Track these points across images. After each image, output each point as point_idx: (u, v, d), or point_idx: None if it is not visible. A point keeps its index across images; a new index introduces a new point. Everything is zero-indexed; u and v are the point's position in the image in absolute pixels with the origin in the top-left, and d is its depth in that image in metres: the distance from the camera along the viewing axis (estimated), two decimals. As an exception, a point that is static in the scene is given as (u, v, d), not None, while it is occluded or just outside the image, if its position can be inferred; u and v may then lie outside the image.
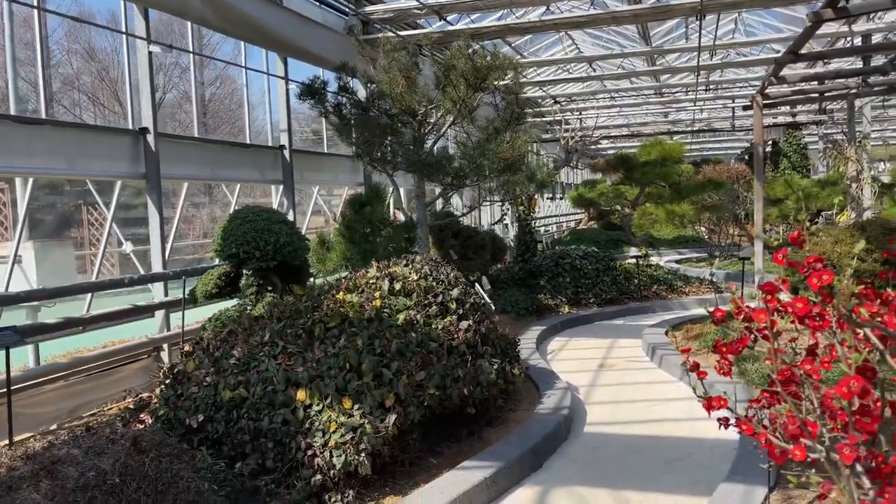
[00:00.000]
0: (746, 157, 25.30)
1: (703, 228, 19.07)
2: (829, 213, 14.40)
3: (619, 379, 6.93)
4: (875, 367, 1.88)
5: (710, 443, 5.07)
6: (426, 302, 5.32)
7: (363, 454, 3.97)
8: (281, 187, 9.70)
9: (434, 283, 5.54)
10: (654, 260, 13.05)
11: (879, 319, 1.95)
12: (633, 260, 11.90)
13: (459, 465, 4.40)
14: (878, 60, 9.27)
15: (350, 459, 3.94)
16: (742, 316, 2.25)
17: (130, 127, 7.30)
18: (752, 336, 2.27)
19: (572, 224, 27.54)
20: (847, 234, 5.06)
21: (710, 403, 2.48)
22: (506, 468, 4.43)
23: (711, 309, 2.49)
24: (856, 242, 4.95)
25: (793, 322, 2.16)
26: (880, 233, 4.91)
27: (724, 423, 2.59)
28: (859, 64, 10.00)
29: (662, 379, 6.85)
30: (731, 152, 36.80)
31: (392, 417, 4.17)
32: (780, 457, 2.14)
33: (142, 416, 4.43)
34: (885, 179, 16.98)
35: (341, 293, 5.19)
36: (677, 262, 15.50)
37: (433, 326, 5.11)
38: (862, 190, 9.85)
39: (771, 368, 2.26)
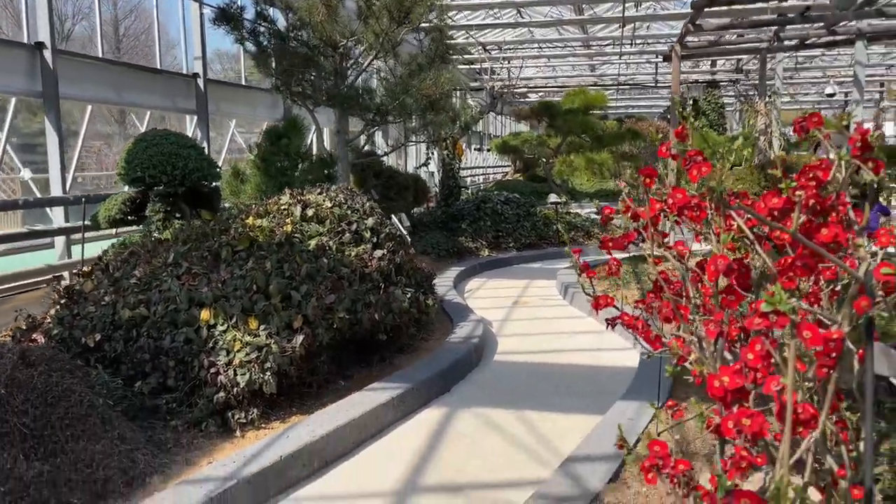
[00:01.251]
0: (668, 115, 25.98)
1: (623, 183, 19.53)
2: (741, 166, 15.00)
3: (531, 315, 7.10)
4: (743, 249, 1.96)
5: (611, 370, 5.27)
6: (340, 229, 5.26)
7: (268, 373, 3.93)
8: (195, 119, 9.31)
9: (349, 212, 5.48)
10: (574, 210, 13.32)
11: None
12: (553, 207, 12.11)
13: (368, 387, 4.42)
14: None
15: (255, 378, 3.90)
16: (630, 213, 2.31)
17: (25, 40, 6.80)
18: (639, 235, 2.33)
19: (499, 177, 27.73)
20: (748, 173, 5.27)
21: (597, 302, 2.55)
22: (413, 390, 4.49)
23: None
24: (755, 182, 5.17)
25: (677, 222, 2.23)
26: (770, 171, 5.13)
27: (610, 323, 2.68)
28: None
29: (572, 315, 7.05)
30: (655, 111, 37.67)
31: (299, 338, 4.13)
32: (654, 341, 2.23)
33: (34, 336, 4.23)
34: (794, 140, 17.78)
35: (251, 218, 5.06)
36: (597, 213, 15.90)
37: (346, 254, 5.07)
38: (770, 143, 10.29)
39: (654, 269, 2.34)
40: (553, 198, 11.61)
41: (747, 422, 1.47)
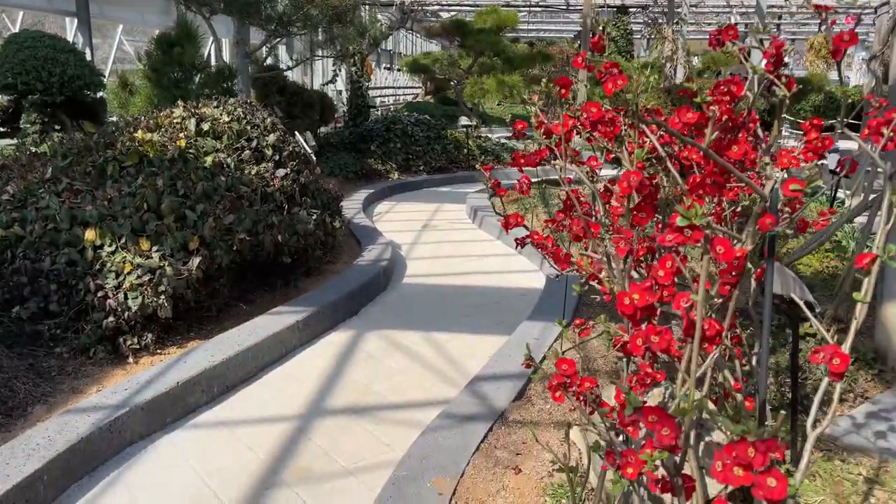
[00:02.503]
0: (578, 41, 25.98)
1: (533, 108, 19.56)
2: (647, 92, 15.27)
3: (441, 238, 7.06)
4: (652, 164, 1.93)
5: (519, 291, 5.34)
6: (238, 146, 4.95)
7: (163, 297, 3.72)
8: (75, 21, 8.46)
9: (248, 128, 5.16)
10: (484, 134, 13.23)
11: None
12: (464, 130, 11.98)
13: (272, 311, 4.28)
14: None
15: (148, 302, 3.68)
16: (542, 129, 2.23)
17: None
18: (551, 153, 2.26)
19: (409, 97, 27.16)
20: (654, 97, 5.31)
21: (507, 221, 2.49)
22: (320, 313, 4.38)
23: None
24: (662, 105, 5.21)
25: (589, 140, 2.17)
26: (677, 95, 5.19)
27: (520, 243, 2.64)
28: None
29: (481, 238, 7.07)
30: (565, 35, 37.63)
31: (196, 260, 3.91)
32: (563, 260, 2.20)
33: None
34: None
35: (140, 132, 4.67)
36: (507, 138, 15.88)
37: (246, 172, 4.79)
38: (675, 69, 10.48)
39: (566, 188, 2.28)
40: (464, 121, 11.47)
41: (656, 339, 1.46)
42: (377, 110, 14.90)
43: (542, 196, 7.86)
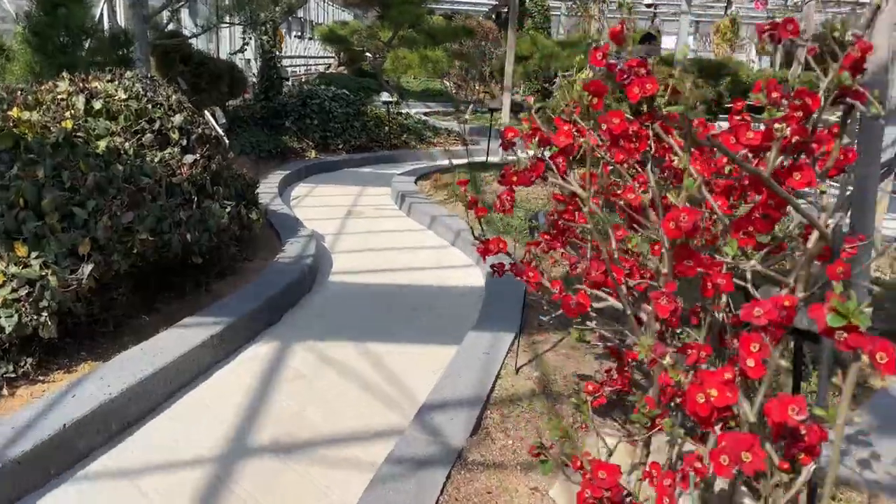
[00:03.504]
0: (493, 15, 25.59)
1: (449, 83, 19.16)
2: (569, 73, 15.09)
3: (367, 227, 6.56)
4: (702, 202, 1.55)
5: (458, 290, 4.94)
6: (138, 128, 4.27)
7: (46, 313, 3.08)
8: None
9: (150, 106, 4.47)
10: (405, 110, 12.68)
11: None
12: (384, 107, 11.40)
13: (181, 322, 3.69)
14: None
15: (27, 321, 3.04)
16: (537, 138, 1.81)
17: None
18: (547, 167, 1.85)
19: (321, 68, 26.06)
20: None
21: (486, 247, 2.07)
22: (238, 323, 3.83)
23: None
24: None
25: (620, 158, 1.76)
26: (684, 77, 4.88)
27: (498, 270, 2.23)
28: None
29: (411, 227, 6.61)
30: (480, 9, 37.16)
31: (88, 268, 3.28)
32: (574, 309, 1.80)
33: None
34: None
35: (16, 110, 3.91)
36: (425, 114, 15.36)
37: (147, 159, 4.13)
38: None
39: (554, 208, 1.88)
40: (385, 97, 10.89)
41: (748, 457, 1.07)
42: (289, 81, 14.03)
43: (473, 183, 7.47)
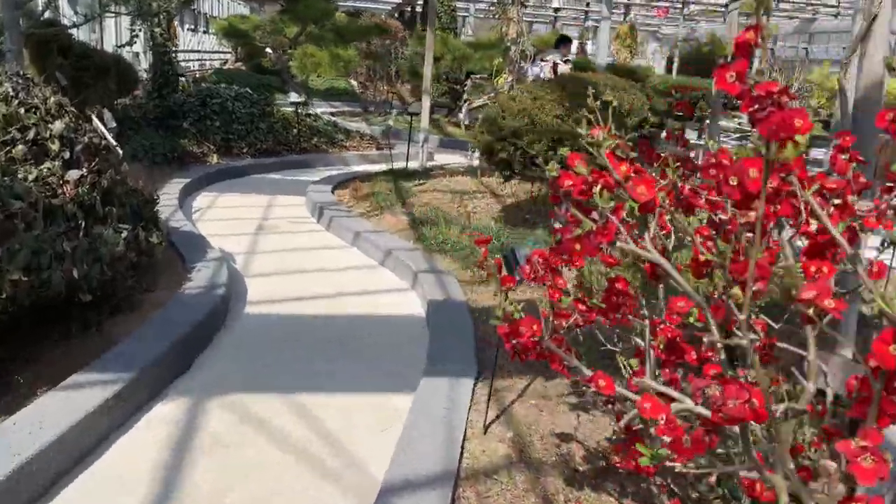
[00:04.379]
0: (396, 14, 25.04)
1: (355, 82, 18.50)
2: (479, 76, 14.79)
3: (283, 244, 5.90)
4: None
5: (396, 320, 4.41)
6: (7, 138, 3.48)
7: None
8: None
9: (22, 111, 3.67)
10: (313, 111, 11.95)
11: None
12: (292, 107, 10.65)
13: (67, 382, 2.97)
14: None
15: None
16: (600, 187, 1.32)
17: None
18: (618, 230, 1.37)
19: (217, 64, 24.64)
20: (545, 92, 4.60)
21: (514, 330, 1.58)
22: (139, 377, 3.15)
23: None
24: (553, 99, 4.52)
25: (771, 224, 1.30)
26: (575, 89, 4.53)
27: (520, 352, 1.73)
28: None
29: (333, 244, 6.01)
30: (382, 7, 36.51)
31: (-63, 324, 2.53)
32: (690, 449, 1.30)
33: None
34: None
35: None
36: (331, 114, 14.64)
37: (20, 177, 3.36)
38: (525, 55, 10.03)
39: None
40: (293, 97, 10.16)
41: None
42: (184, 78, 12.97)
43: (397, 192, 6.94)
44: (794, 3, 18.61)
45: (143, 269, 4.26)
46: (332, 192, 7.52)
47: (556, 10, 18.95)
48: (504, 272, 1.72)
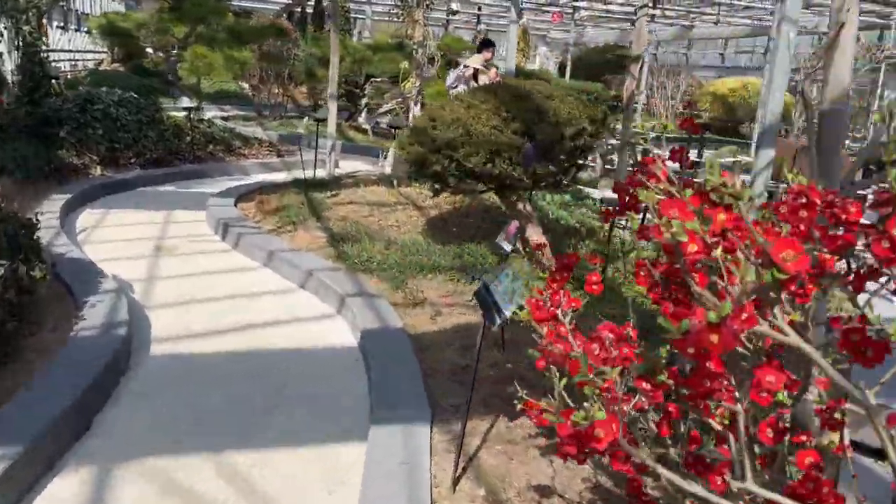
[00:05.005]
0: (285, 14, 24.18)
1: (246, 84, 17.65)
2: (379, 79, 14.40)
3: (186, 268, 5.30)
4: None
5: (326, 354, 3.99)
6: None
7: None
8: None
9: None
10: (207, 118, 11.15)
11: None
12: (184, 112, 9.86)
13: (-69, 465, 2.39)
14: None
15: None
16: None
17: None
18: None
19: (90, 65, 22.85)
20: (479, 100, 4.32)
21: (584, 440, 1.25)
22: (28, 451, 2.59)
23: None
24: (488, 108, 4.25)
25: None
26: (511, 97, 4.29)
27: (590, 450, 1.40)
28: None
29: (243, 265, 5.47)
30: (271, 7, 35.32)
31: None
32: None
33: None
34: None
35: None
36: (223, 119, 13.79)
37: None
38: (432, 59, 9.75)
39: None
40: (185, 101, 9.39)
41: None
42: (58, 81, 11.78)
43: (309, 205, 6.46)
44: (677, 10, 19.39)
45: (27, 309, 3.62)
46: (236, 205, 6.93)
47: (454, 12, 18.80)
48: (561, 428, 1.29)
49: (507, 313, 2.12)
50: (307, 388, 3.52)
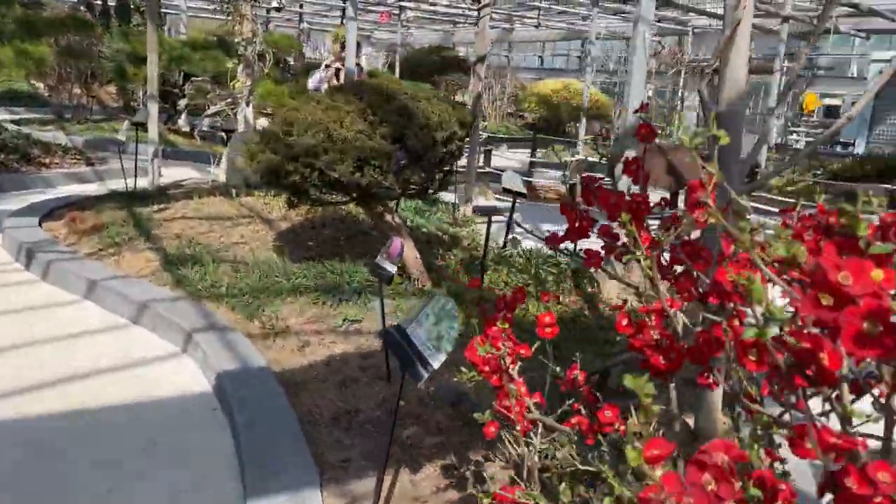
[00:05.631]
0: (84, 6, 21.82)
1: (41, 84, 15.68)
2: (200, 78, 13.27)
3: (-19, 307, 4.32)
4: None
5: (174, 405, 3.34)
6: None
7: None
8: None
9: None
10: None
11: None
12: (-36, 116, 8.34)
13: None
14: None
15: None
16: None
17: None
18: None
19: None
20: (341, 100, 3.86)
21: None
22: None
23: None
24: (352, 110, 3.81)
25: None
26: (376, 99, 3.88)
27: None
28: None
29: (57, 300, 4.55)
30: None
31: None
32: None
33: None
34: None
35: None
36: (14, 122, 11.97)
37: None
38: (263, 57, 8.99)
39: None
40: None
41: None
42: None
43: (136, 222, 5.59)
44: (499, 12, 19.89)
45: None
46: (41, 225, 5.86)
47: (278, 9, 17.89)
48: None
49: (436, 364, 1.73)
50: (153, 454, 2.88)
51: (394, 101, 3.84)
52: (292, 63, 18.88)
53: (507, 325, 1.54)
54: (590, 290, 4.83)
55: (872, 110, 16.43)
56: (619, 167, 5.21)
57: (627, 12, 17.47)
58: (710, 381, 1.49)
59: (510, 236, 5.41)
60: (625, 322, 1.33)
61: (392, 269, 2.99)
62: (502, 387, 1.47)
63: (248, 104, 9.13)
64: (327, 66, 8.11)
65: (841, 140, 18.90)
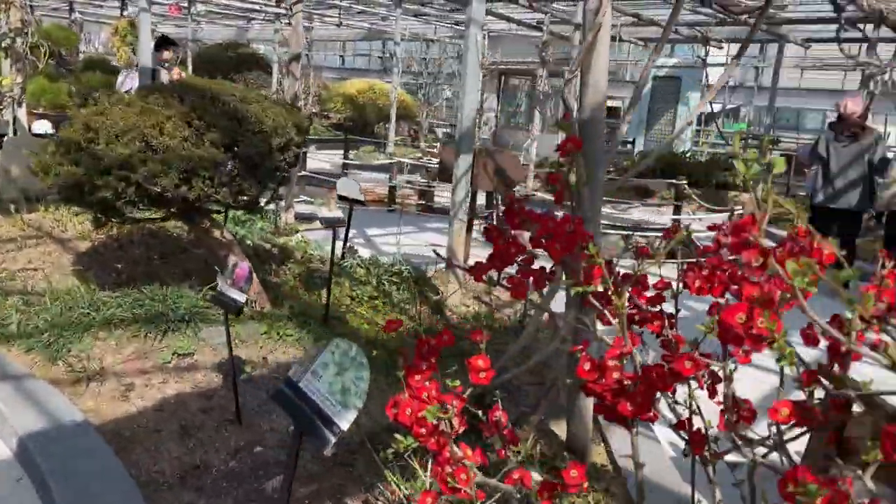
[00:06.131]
0: None
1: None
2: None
3: None
4: None
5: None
6: None
7: None
8: None
9: None
10: None
11: None
12: None
13: None
14: None
15: None
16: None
17: None
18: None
19: None
20: (158, 103, 3.36)
21: None
22: None
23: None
24: (173, 115, 3.34)
25: None
26: (201, 101, 3.43)
27: None
28: None
29: None
30: None
31: None
32: None
33: None
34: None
35: None
36: None
37: None
38: (27, 47, 7.74)
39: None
40: None
41: None
42: None
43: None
44: (303, 12, 19.33)
45: None
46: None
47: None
48: None
49: (344, 424, 1.45)
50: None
51: (220, 103, 3.40)
52: (68, 58, 16.87)
53: (432, 376, 1.31)
54: (434, 297, 4.72)
55: (648, 112, 18.18)
56: (459, 167, 5.16)
57: (427, 14, 17.78)
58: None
59: (348, 245, 5.14)
60: (587, 366, 1.17)
61: (241, 297, 2.61)
62: (441, 452, 1.24)
63: (20, 104, 7.91)
64: (137, 66, 7.37)
65: (624, 139, 20.77)
